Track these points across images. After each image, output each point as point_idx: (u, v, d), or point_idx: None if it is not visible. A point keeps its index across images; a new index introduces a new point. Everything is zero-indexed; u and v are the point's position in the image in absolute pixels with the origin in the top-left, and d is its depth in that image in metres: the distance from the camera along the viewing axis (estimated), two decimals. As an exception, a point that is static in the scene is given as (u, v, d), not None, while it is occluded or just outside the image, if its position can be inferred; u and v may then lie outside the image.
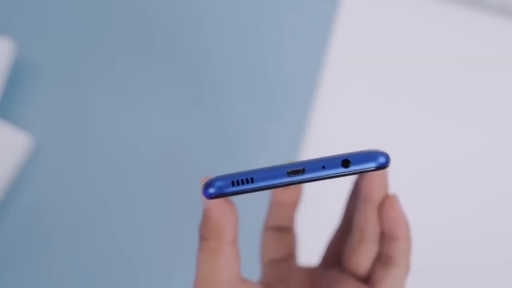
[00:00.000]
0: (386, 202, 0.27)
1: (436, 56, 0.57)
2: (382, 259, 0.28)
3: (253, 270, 0.50)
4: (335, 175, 0.21)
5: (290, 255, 0.31)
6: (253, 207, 0.52)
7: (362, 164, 0.21)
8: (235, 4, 0.57)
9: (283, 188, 0.30)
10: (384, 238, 0.27)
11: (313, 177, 0.21)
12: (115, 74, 0.54)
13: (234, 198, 0.52)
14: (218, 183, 0.21)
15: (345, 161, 0.21)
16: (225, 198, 0.25)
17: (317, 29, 0.56)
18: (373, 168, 0.21)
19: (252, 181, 0.21)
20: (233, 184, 0.21)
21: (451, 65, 0.57)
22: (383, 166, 0.21)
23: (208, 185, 0.22)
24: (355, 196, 0.30)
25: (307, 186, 0.53)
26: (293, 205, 0.31)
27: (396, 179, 0.54)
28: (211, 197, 0.22)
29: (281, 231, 0.31)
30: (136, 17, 0.56)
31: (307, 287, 0.30)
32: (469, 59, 0.57)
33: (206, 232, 0.25)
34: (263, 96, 0.54)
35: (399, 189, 0.53)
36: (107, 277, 0.50)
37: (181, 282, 0.51)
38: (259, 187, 0.21)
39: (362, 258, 0.28)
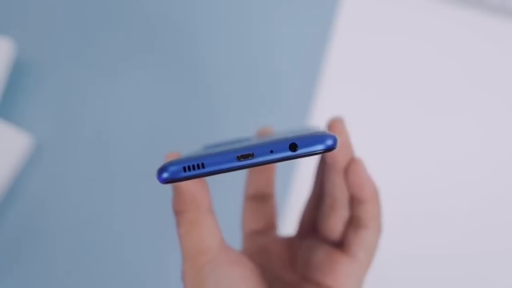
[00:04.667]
0: (351, 167, 0.27)
1: (436, 56, 0.57)
2: (353, 223, 0.28)
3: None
4: (284, 158, 0.21)
5: (269, 226, 0.32)
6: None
7: (310, 147, 0.21)
8: (236, 4, 0.57)
9: None
10: (353, 201, 0.28)
11: (262, 161, 0.22)
12: (114, 74, 0.54)
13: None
14: (171, 168, 0.22)
15: (293, 145, 0.21)
16: None
17: (317, 29, 0.56)
18: (321, 151, 0.21)
19: (204, 166, 0.22)
20: (184, 170, 0.22)
21: (451, 65, 0.57)
22: (330, 149, 0.21)
23: (161, 170, 0.22)
24: (323, 164, 0.31)
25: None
26: (270, 169, 0.31)
27: (394, 177, 0.54)
28: (165, 182, 0.22)
29: (260, 201, 0.32)
30: (136, 17, 0.56)
31: (285, 258, 0.31)
32: (469, 59, 0.57)
33: (181, 205, 0.26)
34: (263, 96, 0.54)
35: (396, 186, 0.54)
36: (107, 276, 0.50)
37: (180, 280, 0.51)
38: (210, 171, 0.22)
39: (335, 224, 0.29)
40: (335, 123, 0.28)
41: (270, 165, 0.31)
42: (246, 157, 0.21)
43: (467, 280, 0.52)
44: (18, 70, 0.54)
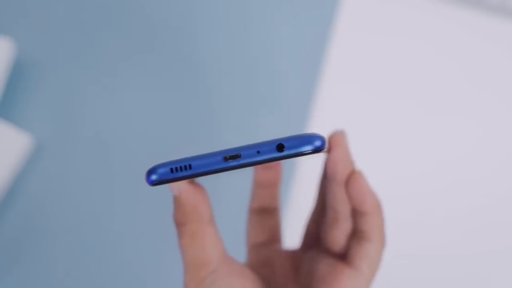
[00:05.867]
0: (351, 180, 0.27)
1: (436, 56, 0.57)
2: (356, 235, 0.28)
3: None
4: (271, 159, 0.22)
5: (273, 239, 0.32)
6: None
7: (297, 148, 0.21)
8: (236, 4, 0.57)
9: (263, 167, 0.31)
10: (355, 214, 0.28)
11: (249, 162, 0.22)
12: (114, 74, 0.54)
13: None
14: (160, 170, 0.22)
15: (280, 146, 0.22)
16: (191, 180, 0.26)
17: (317, 29, 0.56)
18: (309, 152, 0.21)
19: (190, 168, 0.22)
20: (172, 171, 0.22)
21: (451, 65, 0.57)
22: (318, 149, 0.22)
23: (150, 172, 0.22)
24: (325, 177, 0.31)
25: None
26: (274, 184, 0.31)
27: (394, 178, 0.54)
28: (153, 183, 0.22)
29: (265, 214, 0.32)
30: (136, 17, 0.56)
31: (289, 270, 0.31)
32: (469, 59, 0.57)
33: (183, 217, 0.26)
34: (263, 96, 0.54)
35: (396, 186, 0.54)
36: (108, 276, 0.50)
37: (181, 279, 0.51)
38: (198, 173, 0.22)
39: (338, 236, 0.29)
40: (335, 136, 0.28)
41: (275, 180, 0.31)
42: (233, 158, 0.22)
43: (467, 280, 0.52)
44: (18, 70, 0.54)
